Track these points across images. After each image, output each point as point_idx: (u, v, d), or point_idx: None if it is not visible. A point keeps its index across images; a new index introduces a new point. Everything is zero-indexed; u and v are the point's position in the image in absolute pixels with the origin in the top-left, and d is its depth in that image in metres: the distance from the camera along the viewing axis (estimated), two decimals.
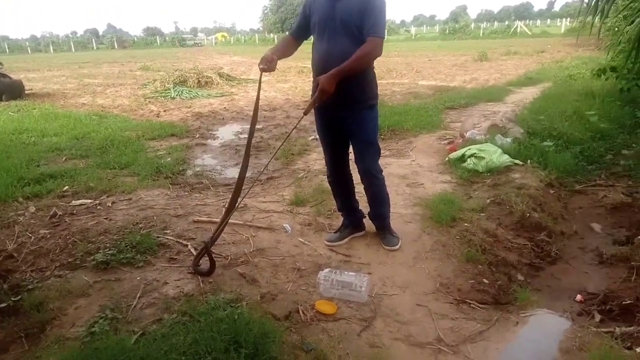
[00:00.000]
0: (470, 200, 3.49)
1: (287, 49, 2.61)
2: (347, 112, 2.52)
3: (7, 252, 2.89)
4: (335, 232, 2.97)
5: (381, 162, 4.62)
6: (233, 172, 4.73)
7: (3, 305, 2.42)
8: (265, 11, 63.16)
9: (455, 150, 4.47)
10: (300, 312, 2.20)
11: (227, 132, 6.68)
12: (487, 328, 2.06)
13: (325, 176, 3.04)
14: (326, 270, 2.44)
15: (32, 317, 2.24)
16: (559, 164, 4.10)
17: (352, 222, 2.96)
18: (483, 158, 4.04)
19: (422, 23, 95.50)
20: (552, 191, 3.77)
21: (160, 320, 2.13)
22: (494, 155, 4.06)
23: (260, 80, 2.67)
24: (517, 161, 4.10)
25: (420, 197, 3.62)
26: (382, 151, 5.02)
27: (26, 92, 10.72)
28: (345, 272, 2.41)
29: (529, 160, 4.17)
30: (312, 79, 2.60)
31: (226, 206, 2.75)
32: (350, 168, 2.90)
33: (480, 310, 2.23)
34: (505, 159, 4.06)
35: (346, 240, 2.92)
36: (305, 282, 2.49)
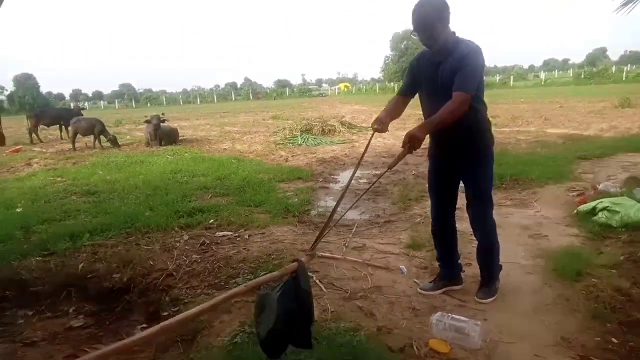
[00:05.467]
0: (600, 256, 3.30)
1: (397, 110, 2.74)
2: (461, 163, 2.65)
3: (169, 271, 3.49)
4: (430, 282, 3.02)
5: (502, 211, 4.60)
6: (352, 214, 5.04)
7: (165, 313, 2.96)
8: (387, 61, 65.09)
9: (585, 203, 4.24)
10: (415, 347, 2.33)
11: (347, 177, 7.07)
12: None
13: None
14: (439, 313, 2.54)
15: (186, 326, 2.69)
16: None
17: (448, 275, 2.99)
18: (618, 212, 3.77)
19: (553, 67, 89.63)
20: None
21: None
22: (632, 209, 3.77)
23: (371, 138, 2.76)
24: None
25: (543, 248, 3.52)
26: (504, 201, 4.95)
27: (180, 138, 12.55)
28: (459, 317, 2.48)
29: None
30: None
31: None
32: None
33: None
34: None
35: (440, 291, 2.94)
36: (419, 321, 2.61)
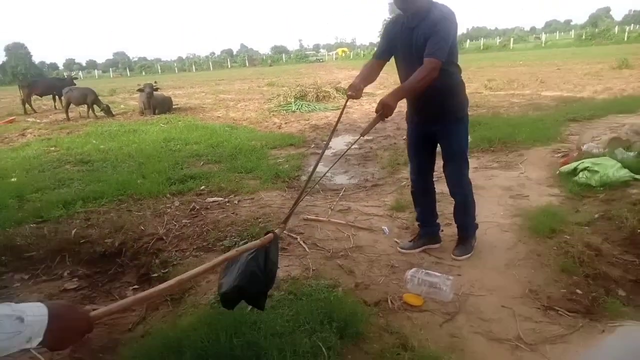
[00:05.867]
0: (576, 214, 3.40)
1: (372, 75, 2.73)
2: (438, 126, 2.71)
3: (159, 235, 3.61)
4: (410, 241, 3.13)
5: (487, 173, 4.69)
6: (341, 179, 5.12)
7: (155, 275, 3.09)
8: (385, 24, 63.82)
9: (568, 164, 4.32)
10: (389, 301, 2.46)
11: (339, 143, 7.14)
12: (570, 333, 2.11)
13: None
14: (414, 269, 2.66)
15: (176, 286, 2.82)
16: None
17: (427, 234, 3.10)
18: (597, 172, 3.86)
19: (555, 29, 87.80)
20: None
21: (270, 296, 2.54)
22: (611, 169, 3.85)
23: (345, 105, 2.73)
24: (638, 177, 3.83)
25: (523, 208, 3.62)
26: (490, 163, 5.04)
27: (173, 106, 12.51)
28: (432, 272, 2.61)
29: None
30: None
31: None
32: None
33: (567, 317, 2.25)
34: (624, 173, 3.82)
35: (419, 250, 3.06)
36: (397, 278, 2.74)
